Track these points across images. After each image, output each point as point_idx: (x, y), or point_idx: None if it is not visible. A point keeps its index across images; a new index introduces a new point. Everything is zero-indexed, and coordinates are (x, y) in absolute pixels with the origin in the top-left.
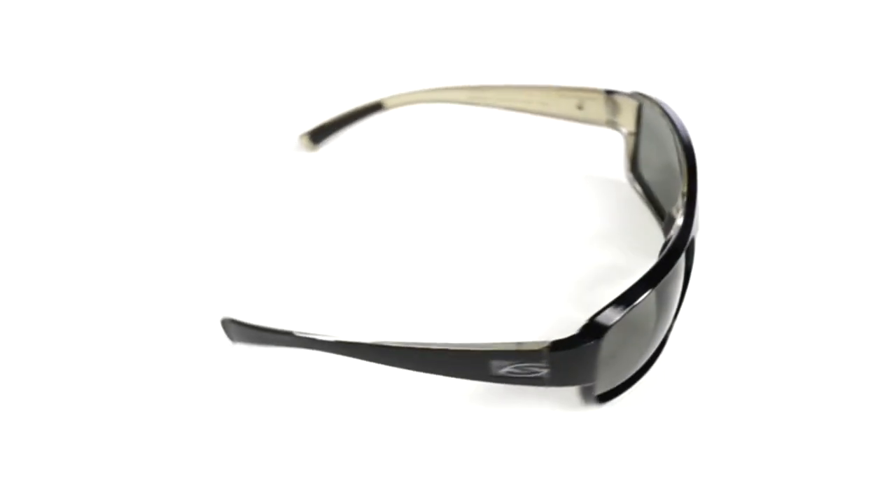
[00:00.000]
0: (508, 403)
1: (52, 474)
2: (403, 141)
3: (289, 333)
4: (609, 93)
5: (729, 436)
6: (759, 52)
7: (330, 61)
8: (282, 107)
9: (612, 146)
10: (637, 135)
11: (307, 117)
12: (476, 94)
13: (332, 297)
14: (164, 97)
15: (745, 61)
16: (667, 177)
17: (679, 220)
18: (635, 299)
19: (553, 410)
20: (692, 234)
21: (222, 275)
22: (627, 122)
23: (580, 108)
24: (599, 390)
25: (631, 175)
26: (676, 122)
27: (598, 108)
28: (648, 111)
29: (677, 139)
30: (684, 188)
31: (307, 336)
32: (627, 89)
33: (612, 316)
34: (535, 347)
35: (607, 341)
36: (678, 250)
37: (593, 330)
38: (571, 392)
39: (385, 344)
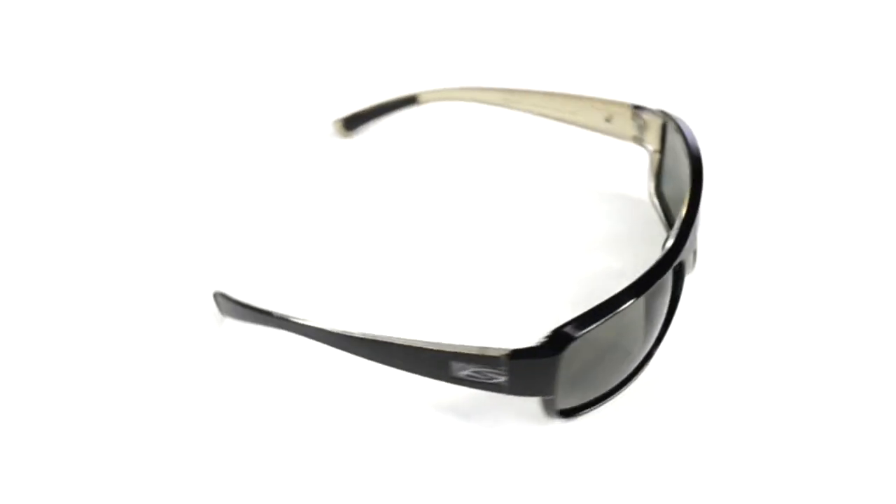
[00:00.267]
0: (469, 410)
1: (40, 443)
2: (433, 136)
3: (268, 313)
4: (636, 108)
5: (695, 473)
6: (792, 72)
7: (375, 53)
8: (322, 94)
9: (637, 162)
10: (661, 153)
11: (346, 104)
12: (509, 97)
13: (336, 284)
14: (209, 77)
15: (778, 80)
16: (681, 197)
17: (669, 242)
18: (602, 316)
19: (512, 421)
20: (680, 257)
21: (226, 252)
22: (652, 139)
23: (608, 120)
24: (562, 405)
25: (654, 193)
26: (690, 143)
27: (625, 122)
28: (672, 130)
29: (689, 160)
30: (683, 211)
31: (283, 317)
32: (657, 106)
33: (575, 330)
34: (496, 353)
35: (569, 355)
36: (659, 271)
37: (554, 341)
38: (535, 404)
39: (350, 334)
